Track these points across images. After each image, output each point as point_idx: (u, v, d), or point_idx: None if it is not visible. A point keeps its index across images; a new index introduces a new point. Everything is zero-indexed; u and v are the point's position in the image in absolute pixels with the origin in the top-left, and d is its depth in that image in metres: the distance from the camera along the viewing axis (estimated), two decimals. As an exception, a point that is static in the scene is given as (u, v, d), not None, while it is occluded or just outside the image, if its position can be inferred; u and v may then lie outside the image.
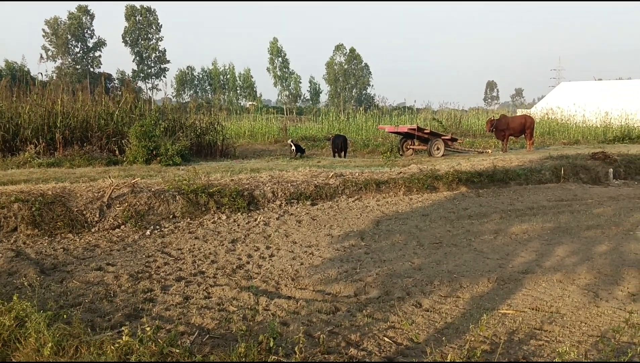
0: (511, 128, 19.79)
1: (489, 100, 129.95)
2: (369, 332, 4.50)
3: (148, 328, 3.80)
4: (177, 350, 3.71)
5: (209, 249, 7.29)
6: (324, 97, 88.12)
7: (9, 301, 4.36)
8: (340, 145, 18.70)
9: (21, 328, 4.01)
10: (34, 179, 10.37)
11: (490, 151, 19.89)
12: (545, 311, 5.04)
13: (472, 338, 4.33)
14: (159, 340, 3.77)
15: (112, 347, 3.73)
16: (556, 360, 3.68)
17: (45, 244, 7.44)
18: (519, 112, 43.99)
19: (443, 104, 45.68)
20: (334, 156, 18.54)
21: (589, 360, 4.05)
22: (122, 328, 3.96)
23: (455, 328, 4.63)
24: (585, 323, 4.78)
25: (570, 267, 6.40)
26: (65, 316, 4.37)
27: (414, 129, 18.96)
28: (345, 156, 18.60)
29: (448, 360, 3.71)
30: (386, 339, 4.37)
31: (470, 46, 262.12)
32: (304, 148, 19.36)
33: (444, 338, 4.30)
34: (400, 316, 4.83)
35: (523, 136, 20.50)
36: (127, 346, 3.73)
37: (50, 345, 3.74)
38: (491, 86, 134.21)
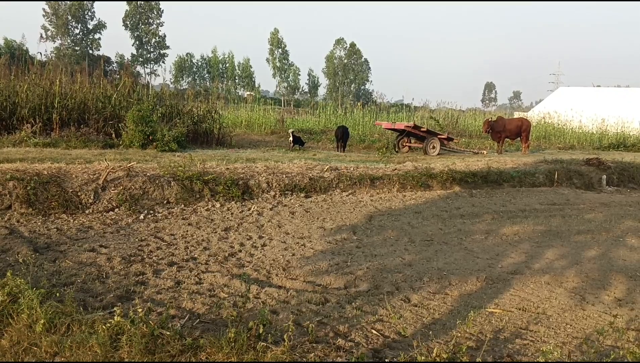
0: (507, 130, 19.87)
1: (487, 101, 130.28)
2: (358, 324, 4.56)
3: (140, 310, 3.85)
4: (168, 333, 3.76)
5: (202, 236, 7.33)
6: (322, 91, 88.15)
7: (2, 277, 4.40)
8: (339, 135, 18.94)
9: (14, 304, 4.05)
10: (30, 158, 10.37)
11: (485, 152, 19.97)
12: (531, 312, 5.12)
13: (459, 335, 4.40)
14: (150, 321, 3.81)
15: (104, 327, 3.77)
16: (540, 359, 3.75)
17: (39, 223, 7.46)
18: (516, 115, 44.07)
19: (441, 103, 45.59)
20: (337, 147, 18.86)
21: (572, 361, 4.12)
22: (114, 309, 4.01)
23: (443, 324, 4.70)
24: (571, 325, 4.85)
25: (559, 270, 6.48)
26: (57, 294, 4.43)
27: (410, 127, 19.02)
28: (344, 149, 18.79)
29: (434, 354, 3.77)
30: (374, 331, 4.44)
31: (471, 47, 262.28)
32: (304, 140, 19.40)
33: (430, 333, 4.37)
34: (389, 310, 4.89)
35: (519, 138, 20.58)
36: (118, 326, 3.78)
37: (42, 321, 3.79)
38: (489, 87, 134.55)
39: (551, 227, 8.83)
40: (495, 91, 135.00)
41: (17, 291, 4.17)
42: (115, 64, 67.21)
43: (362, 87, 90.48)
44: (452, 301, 5.29)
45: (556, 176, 13.90)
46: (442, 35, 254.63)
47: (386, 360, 3.90)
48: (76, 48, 74.41)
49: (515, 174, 13.44)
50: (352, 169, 11.89)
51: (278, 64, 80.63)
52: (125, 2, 76.45)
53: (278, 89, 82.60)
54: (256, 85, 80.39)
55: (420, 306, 5.12)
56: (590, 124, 33.32)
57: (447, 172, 12.28)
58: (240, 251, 6.73)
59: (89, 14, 75.36)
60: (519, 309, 5.16)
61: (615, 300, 5.64)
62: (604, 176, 14.73)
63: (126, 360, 3.55)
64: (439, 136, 19.14)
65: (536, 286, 5.86)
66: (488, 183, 12.77)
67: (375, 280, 5.77)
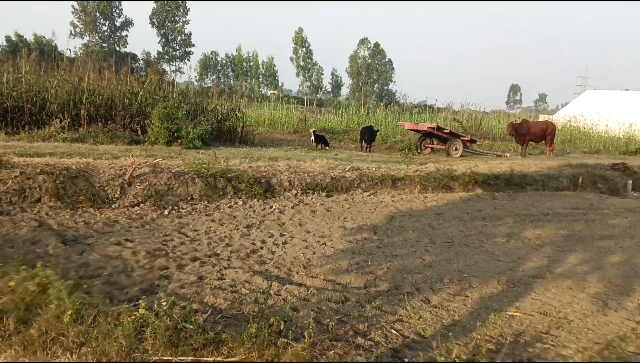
0: (532, 133, 19.69)
1: (512, 104, 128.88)
2: (377, 323, 4.58)
3: (164, 303, 3.92)
4: (191, 326, 3.83)
5: (225, 232, 7.42)
6: (345, 91, 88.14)
7: (32, 268, 4.52)
8: (364, 135, 19.12)
9: (43, 295, 4.16)
10: (59, 153, 10.60)
11: (508, 154, 19.80)
12: (553, 316, 5.08)
13: (478, 337, 4.39)
14: (174, 315, 3.89)
15: (129, 319, 3.86)
16: (559, 360, 3.74)
17: (67, 216, 7.63)
18: (541, 117, 43.50)
19: (464, 105, 45.23)
20: (361, 147, 19.09)
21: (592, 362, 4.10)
22: (139, 302, 4.09)
23: (462, 325, 4.69)
24: (592, 331, 4.81)
25: (581, 275, 6.42)
26: (85, 286, 4.54)
27: (433, 128, 18.95)
28: (369, 149, 18.92)
29: (453, 355, 3.78)
30: (393, 331, 4.46)
31: (496, 48, 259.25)
32: (328, 140, 19.43)
33: (450, 334, 4.38)
34: (409, 310, 4.91)
35: (543, 141, 20.38)
36: (143, 319, 3.87)
37: (70, 312, 3.88)
38: (514, 89, 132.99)
39: (574, 232, 8.74)
40: (520, 93, 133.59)
41: (46, 282, 4.28)
42: (141, 61, 68.08)
43: (385, 87, 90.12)
44: (472, 304, 5.28)
45: (580, 180, 13.72)
46: (467, 37, 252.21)
47: (405, 360, 3.92)
48: (104, 45, 75.52)
49: (539, 178, 13.30)
50: (373, 169, 11.91)
51: (302, 63, 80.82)
52: (152, 0, 77.48)
53: (301, 88, 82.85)
54: (279, 84, 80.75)
55: (440, 307, 5.12)
56: (617, 129, 32.79)
57: (469, 174, 12.21)
58: (261, 248, 6.80)
59: (117, 11, 76.41)
60: (540, 313, 5.13)
61: (639, 306, 5.57)
62: (630, 182, 14.48)
63: (150, 351, 3.62)
64: (462, 138, 19.05)
65: (558, 291, 5.81)
66: (511, 185, 12.67)
67: (395, 280, 5.79)
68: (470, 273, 6.17)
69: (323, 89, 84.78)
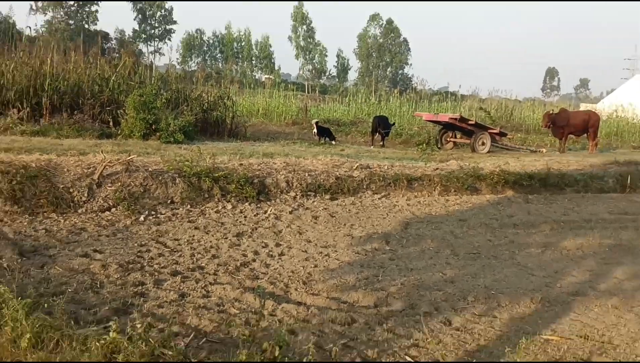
0: (572, 125, 19.66)
1: (548, 90, 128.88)
2: (389, 349, 4.58)
3: (139, 325, 3.92)
4: (170, 352, 3.82)
5: (211, 242, 7.42)
6: (353, 75, 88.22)
7: (-17, 285, 4.53)
8: (377, 126, 19.12)
9: (-4, 316, 4.16)
10: (16, 148, 10.63)
11: (544, 150, 19.80)
12: (595, 341, 5.07)
13: (508, 365, 4.39)
14: (151, 339, 3.88)
15: (98, 344, 3.84)
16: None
17: (26, 223, 7.63)
18: (582, 107, 43.51)
19: (492, 92, 45.35)
20: (372, 141, 19.35)
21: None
22: (110, 324, 4.08)
23: (489, 352, 4.68)
24: (642, 358, 4.80)
25: (629, 292, 6.41)
26: (46, 305, 4.52)
27: (456, 119, 18.95)
28: (383, 143, 18.95)
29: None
30: (408, 358, 4.45)
31: (530, 26, 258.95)
32: (333, 133, 19.37)
33: (474, 362, 4.37)
34: (426, 333, 4.90)
35: (585, 135, 20.35)
36: (114, 343, 3.85)
37: (28, 336, 3.88)
38: (552, 73, 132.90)
39: (621, 241, 8.73)
40: (558, 78, 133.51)
41: (0, 301, 4.28)
42: (114, 41, 68.33)
43: (400, 71, 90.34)
44: (501, 326, 5.27)
45: (629, 180, 13.69)
46: (495, 12, 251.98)
47: (421, 392, 3.91)
48: (70, 22, 75.79)
49: (580, 178, 13.29)
50: (385, 167, 11.91)
51: (302, 43, 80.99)
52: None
53: (301, 72, 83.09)
54: (276, 67, 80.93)
55: (463, 330, 5.12)
56: (673, 119, 32.70)
57: (498, 173, 12.20)
58: (254, 260, 6.80)
59: (85, -18, 76.66)
60: (581, 337, 5.12)
61: (697, 329, 5.55)
62: (687, 182, 14.45)
63: (122, 382, 3.62)
64: (489, 131, 19.05)
65: (601, 311, 5.80)
66: (547, 187, 12.66)
67: (410, 298, 5.78)
68: (499, 290, 6.17)
69: (327, 74, 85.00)
